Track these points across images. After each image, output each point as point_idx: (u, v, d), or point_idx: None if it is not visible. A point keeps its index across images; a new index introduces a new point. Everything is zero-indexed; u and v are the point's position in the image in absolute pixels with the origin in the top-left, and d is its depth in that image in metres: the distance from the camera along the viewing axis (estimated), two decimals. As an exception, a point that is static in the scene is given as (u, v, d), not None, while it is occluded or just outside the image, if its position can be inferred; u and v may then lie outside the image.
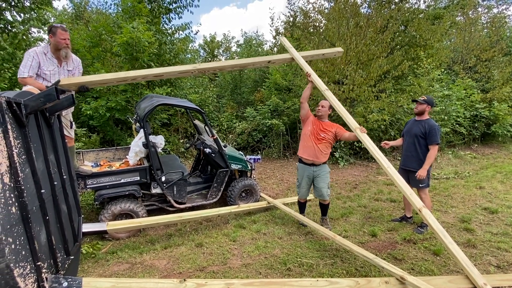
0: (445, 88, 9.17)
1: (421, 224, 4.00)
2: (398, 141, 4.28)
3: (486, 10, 13.92)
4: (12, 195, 1.50)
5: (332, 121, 4.19)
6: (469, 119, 9.51)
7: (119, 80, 3.68)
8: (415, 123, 4.02)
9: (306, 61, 4.30)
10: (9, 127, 1.52)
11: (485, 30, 12.75)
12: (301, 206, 4.32)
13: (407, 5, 9.51)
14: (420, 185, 3.86)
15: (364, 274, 2.98)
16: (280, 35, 4.79)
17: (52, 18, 9.47)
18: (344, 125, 3.88)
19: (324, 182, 3.93)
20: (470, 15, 12.24)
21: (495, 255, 3.30)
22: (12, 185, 1.52)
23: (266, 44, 17.89)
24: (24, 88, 2.98)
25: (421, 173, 3.73)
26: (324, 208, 4.14)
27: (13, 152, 1.53)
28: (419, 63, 9.09)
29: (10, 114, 1.57)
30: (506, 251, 3.36)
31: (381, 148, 3.77)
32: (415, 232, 3.90)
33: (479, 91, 10.52)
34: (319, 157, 3.87)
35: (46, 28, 6.03)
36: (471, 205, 4.81)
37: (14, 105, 1.59)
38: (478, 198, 5.14)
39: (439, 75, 9.20)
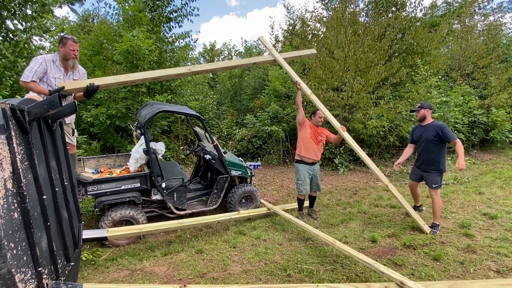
0: (443, 95, 9.25)
1: (432, 224, 4.09)
2: (406, 153, 4.47)
3: (482, 18, 14.10)
4: (14, 201, 1.52)
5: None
6: (467, 125, 9.56)
7: (119, 83, 3.79)
8: (423, 128, 4.21)
9: (287, 62, 4.82)
10: (12, 133, 1.54)
11: (481, 38, 12.90)
12: (302, 203, 4.76)
13: (404, 13, 9.65)
14: (433, 186, 4.02)
15: (364, 279, 2.98)
16: (261, 37, 5.11)
17: (54, 27, 9.59)
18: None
19: (319, 178, 4.73)
20: (467, 23, 12.41)
21: (494, 260, 3.30)
22: (14, 190, 1.53)
23: (266, 52, 18.05)
24: (27, 95, 3.02)
25: (461, 165, 3.73)
26: (313, 200, 4.91)
27: (16, 158, 1.55)
28: (416, 70, 9.18)
29: (13, 121, 1.59)
30: (505, 256, 3.36)
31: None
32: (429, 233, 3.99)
33: (476, 97, 10.60)
34: (319, 155, 4.58)
35: (47, 36, 6.12)
36: (471, 211, 4.81)
37: (18, 112, 1.62)
38: (478, 203, 5.15)
39: (436, 81, 9.27)
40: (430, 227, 4.09)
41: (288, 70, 4.72)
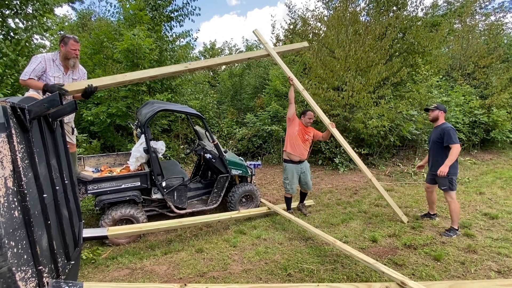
0: (443, 95, 9.23)
1: (450, 228, 4.02)
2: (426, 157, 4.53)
3: (483, 18, 14.08)
4: (15, 199, 1.51)
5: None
6: (468, 125, 9.55)
7: (117, 83, 3.80)
8: (433, 130, 4.24)
9: (280, 56, 4.90)
10: (13, 132, 1.54)
11: (482, 37, 12.88)
12: (290, 202, 4.84)
13: (405, 13, 9.63)
14: (442, 188, 4.00)
15: (365, 279, 2.98)
16: (256, 30, 5.18)
17: (54, 26, 9.57)
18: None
19: (309, 176, 4.80)
20: (468, 23, 12.39)
21: (495, 260, 3.30)
22: (15, 189, 1.53)
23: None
24: (27, 94, 3.03)
25: (442, 169, 3.82)
26: (304, 196, 5.01)
27: (17, 157, 1.54)
28: (417, 69, 9.16)
29: (14, 119, 1.59)
30: (506, 256, 3.35)
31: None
32: (442, 235, 3.95)
33: (477, 97, 10.58)
34: (305, 154, 4.67)
35: (48, 34, 6.10)
36: (471, 211, 4.81)
37: (19, 110, 1.61)
38: (478, 203, 5.14)
39: (437, 81, 9.25)
40: (446, 230, 4.02)
41: (281, 65, 4.80)
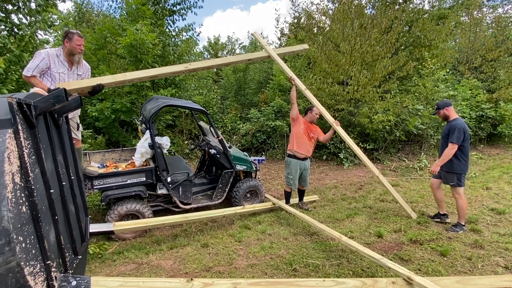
0: (450, 89, 9.10)
1: (456, 223, 3.99)
2: None
3: (491, 10, 13.83)
4: (22, 195, 1.52)
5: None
6: (475, 120, 9.43)
7: (117, 83, 3.78)
8: (445, 125, 4.12)
9: (281, 58, 4.89)
10: (19, 127, 1.54)
11: (490, 30, 12.64)
12: (290, 196, 4.88)
13: (411, 5, 9.48)
14: (451, 184, 3.96)
15: (371, 274, 2.97)
16: (255, 32, 5.14)
17: (58, 21, 9.57)
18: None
19: (308, 174, 4.85)
20: (475, 15, 12.15)
21: (503, 255, 3.27)
22: (22, 184, 1.53)
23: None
24: (32, 90, 3.02)
25: (433, 168, 3.93)
26: (303, 194, 4.99)
27: (24, 153, 1.55)
28: (423, 63, 9.04)
29: (20, 115, 1.59)
30: (514, 252, 3.33)
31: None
32: (449, 231, 3.91)
33: (484, 91, 10.43)
34: (310, 151, 4.70)
35: (51, 30, 6.09)
36: (478, 206, 4.77)
37: (25, 106, 1.61)
38: (485, 199, 5.10)
39: (444, 75, 9.12)
40: (453, 226, 3.98)
41: (282, 65, 4.78)
